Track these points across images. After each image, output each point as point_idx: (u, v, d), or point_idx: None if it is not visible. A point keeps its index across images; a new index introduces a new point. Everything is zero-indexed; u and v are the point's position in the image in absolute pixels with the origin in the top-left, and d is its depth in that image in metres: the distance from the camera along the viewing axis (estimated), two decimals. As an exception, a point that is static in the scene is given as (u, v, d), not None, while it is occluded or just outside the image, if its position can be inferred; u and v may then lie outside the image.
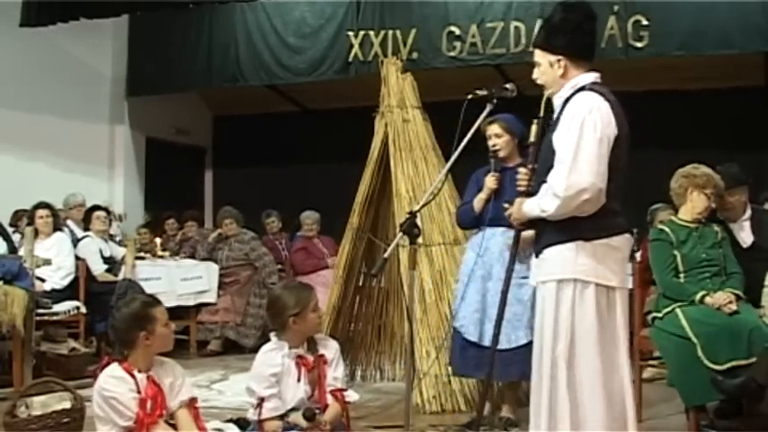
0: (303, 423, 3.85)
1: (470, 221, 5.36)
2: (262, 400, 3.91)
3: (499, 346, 4.95)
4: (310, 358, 4.03)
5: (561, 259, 3.41)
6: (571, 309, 3.38)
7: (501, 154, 5.17)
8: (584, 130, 3.31)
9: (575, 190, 3.28)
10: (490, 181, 5.15)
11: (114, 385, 3.65)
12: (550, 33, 3.57)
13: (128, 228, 10.10)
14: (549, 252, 3.46)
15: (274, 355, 4.00)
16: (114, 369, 3.71)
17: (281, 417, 3.92)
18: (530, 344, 4.77)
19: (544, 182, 3.41)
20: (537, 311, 3.56)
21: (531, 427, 3.53)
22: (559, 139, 3.38)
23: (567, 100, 3.47)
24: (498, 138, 5.15)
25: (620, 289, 3.48)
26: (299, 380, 3.96)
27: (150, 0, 9.15)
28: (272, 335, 4.08)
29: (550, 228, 3.44)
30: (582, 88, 3.46)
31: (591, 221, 3.36)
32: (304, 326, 4.01)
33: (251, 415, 4.01)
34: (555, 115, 3.54)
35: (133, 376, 3.67)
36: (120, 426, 3.61)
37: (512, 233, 5.06)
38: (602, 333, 3.38)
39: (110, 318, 3.88)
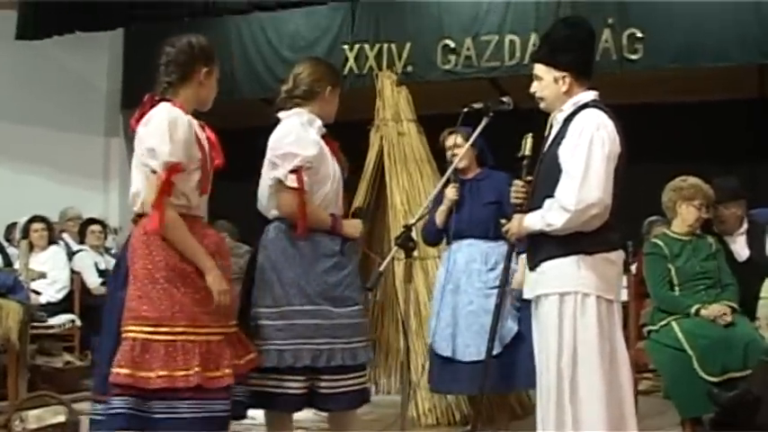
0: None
1: (434, 236, 5.35)
2: (299, 168, 3.65)
3: (471, 359, 4.92)
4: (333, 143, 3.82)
5: (562, 273, 3.41)
6: (573, 321, 3.38)
7: (461, 165, 5.06)
8: (594, 146, 3.33)
9: (585, 204, 3.29)
10: (451, 192, 5.11)
11: (176, 115, 3.37)
12: (555, 49, 3.54)
13: (123, 241, 10.04)
14: (549, 265, 3.45)
15: (309, 128, 3.82)
16: (168, 106, 3.39)
17: None
18: (499, 356, 4.78)
19: (549, 196, 3.40)
20: (537, 325, 3.55)
21: None
22: (567, 154, 3.38)
23: (569, 116, 3.48)
24: (458, 148, 4.99)
25: (616, 302, 3.50)
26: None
27: (145, 13, 9.15)
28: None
29: (551, 241, 3.42)
30: (585, 105, 3.48)
31: (592, 235, 3.38)
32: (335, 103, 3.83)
33: (280, 174, 3.71)
34: (554, 131, 3.55)
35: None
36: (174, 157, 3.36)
37: (479, 244, 5.12)
38: (602, 345, 3.39)
39: (163, 55, 3.60)
